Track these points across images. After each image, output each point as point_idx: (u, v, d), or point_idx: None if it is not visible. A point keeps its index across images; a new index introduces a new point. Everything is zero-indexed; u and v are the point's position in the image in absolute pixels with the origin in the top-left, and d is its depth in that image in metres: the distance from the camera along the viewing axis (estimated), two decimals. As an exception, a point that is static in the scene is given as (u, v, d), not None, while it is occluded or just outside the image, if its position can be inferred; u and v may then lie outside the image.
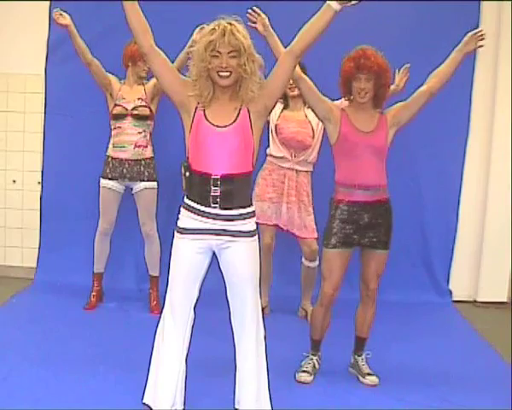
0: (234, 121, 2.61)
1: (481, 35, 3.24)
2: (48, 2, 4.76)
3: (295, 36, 2.65)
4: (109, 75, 4.30)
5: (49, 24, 4.80)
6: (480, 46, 3.28)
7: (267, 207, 4.29)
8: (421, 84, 3.33)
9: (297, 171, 4.27)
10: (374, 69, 3.16)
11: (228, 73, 2.54)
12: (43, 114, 4.88)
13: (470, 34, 3.26)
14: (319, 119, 3.39)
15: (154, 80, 4.27)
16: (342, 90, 3.33)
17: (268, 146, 4.31)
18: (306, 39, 2.60)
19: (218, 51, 2.52)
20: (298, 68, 3.06)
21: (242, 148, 2.62)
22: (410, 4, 4.72)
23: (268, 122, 4.23)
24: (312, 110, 3.39)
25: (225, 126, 2.60)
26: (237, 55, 2.53)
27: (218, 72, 2.54)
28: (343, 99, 3.44)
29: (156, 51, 2.62)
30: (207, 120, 2.61)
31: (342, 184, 3.29)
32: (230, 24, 2.54)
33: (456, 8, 4.74)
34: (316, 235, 4.28)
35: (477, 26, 4.78)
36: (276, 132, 4.28)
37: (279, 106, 4.27)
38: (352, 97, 3.30)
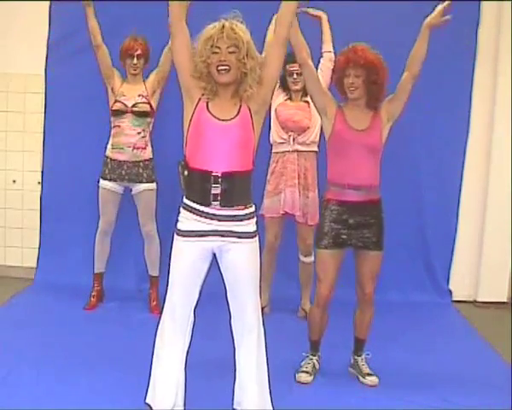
0: (235, 116, 2.59)
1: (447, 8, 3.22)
2: (48, 2, 4.77)
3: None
4: (114, 68, 4.31)
5: (49, 24, 4.80)
6: (447, 20, 3.25)
7: (276, 200, 4.30)
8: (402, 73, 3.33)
9: (298, 153, 4.27)
10: (361, 63, 3.14)
11: (227, 67, 2.53)
12: (43, 114, 4.88)
13: (439, 7, 3.24)
14: (317, 110, 3.40)
15: (154, 74, 4.28)
16: (337, 88, 3.34)
17: (269, 136, 4.33)
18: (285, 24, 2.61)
19: (218, 46, 2.53)
20: (304, 54, 3.18)
21: (243, 143, 2.60)
22: (409, 4, 4.71)
23: (269, 111, 4.24)
24: (311, 99, 3.43)
25: (227, 120, 2.58)
26: (236, 50, 2.53)
27: (217, 67, 2.53)
28: None
29: (183, 28, 2.60)
30: (209, 111, 2.59)
31: (333, 183, 3.29)
32: (231, 22, 2.55)
33: (456, 9, 4.73)
34: (312, 222, 4.25)
35: (477, 26, 4.82)
36: (276, 116, 4.32)
37: (283, 96, 4.34)
38: (346, 96, 3.29)
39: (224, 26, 2.53)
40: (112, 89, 4.29)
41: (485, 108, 4.94)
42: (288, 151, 4.28)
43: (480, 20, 4.81)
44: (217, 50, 2.53)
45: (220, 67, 2.53)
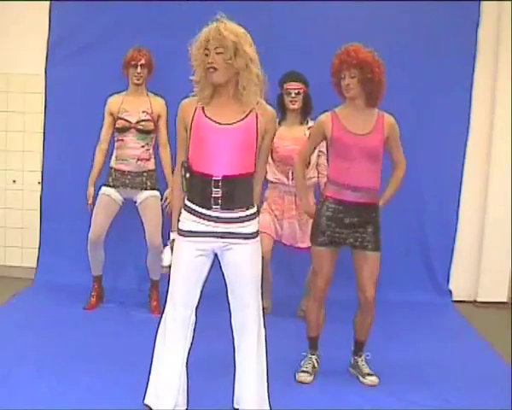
0: (239, 121, 2.59)
1: None
2: (48, 3, 4.77)
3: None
4: (108, 116, 4.27)
5: (49, 24, 4.80)
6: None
7: (269, 220, 4.24)
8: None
9: (295, 194, 4.14)
10: (353, 63, 3.15)
11: (213, 69, 2.54)
12: (43, 114, 4.88)
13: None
14: None
15: (161, 111, 4.28)
16: (336, 92, 3.35)
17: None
18: None
19: (207, 48, 2.55)
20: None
21: (245, 146, 2.60)
22: (410, 4, 4.72)
23: None
24: None
25: (229, 124, 2.58)
26: (224, 51, 2.53)
27: (207, 68, 2.55)
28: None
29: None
30: (206, 116, 2.60)
31: (332, 182, 3.30)
32: (221, 22, 2.56)
33: (456, 8, 4.74)
34: None
35: (477, 26, 4.81)
36: (271, 152, 4.06)
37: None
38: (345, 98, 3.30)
39: (211, 28, 2.55)
40: (113, 116, 4.26)
41: (485, 108, 4.94)
42: (285, 191, 4.22)
43: (480, 20, 4.81)
44: (207, 52, 2.56)
45: (209, 69, 2.55)
